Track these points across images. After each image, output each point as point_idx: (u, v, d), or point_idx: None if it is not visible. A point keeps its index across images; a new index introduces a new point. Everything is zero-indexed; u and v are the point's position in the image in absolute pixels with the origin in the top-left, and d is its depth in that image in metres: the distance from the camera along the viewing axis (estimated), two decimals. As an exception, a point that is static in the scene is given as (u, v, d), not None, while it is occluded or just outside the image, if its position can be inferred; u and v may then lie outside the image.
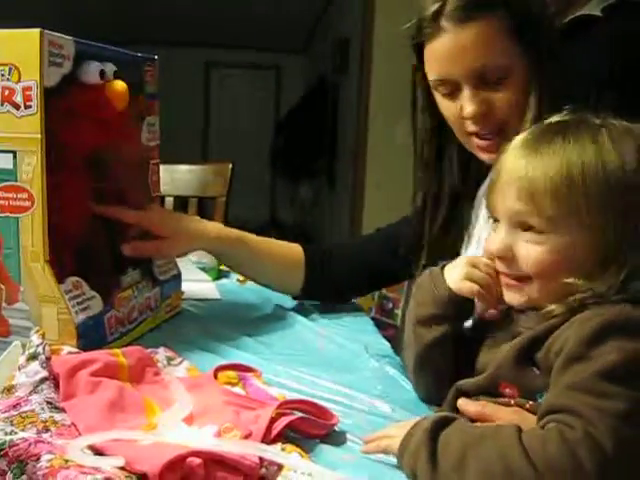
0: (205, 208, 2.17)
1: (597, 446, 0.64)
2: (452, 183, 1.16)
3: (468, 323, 0.94)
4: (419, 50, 1.07)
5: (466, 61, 0.99)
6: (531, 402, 0.77)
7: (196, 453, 0.65)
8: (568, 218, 0.76)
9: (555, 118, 0.83)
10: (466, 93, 1.02)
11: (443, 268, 0.92)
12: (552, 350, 0.74)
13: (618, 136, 0.77)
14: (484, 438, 0.68)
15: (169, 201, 2.07)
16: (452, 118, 1.08)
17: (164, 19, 6.53)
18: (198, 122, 8.31)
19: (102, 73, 1.00)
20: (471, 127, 1.05)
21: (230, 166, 2.08)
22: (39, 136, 0.91)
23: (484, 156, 1.06)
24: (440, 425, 0.71)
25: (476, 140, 1.06)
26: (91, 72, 0.98)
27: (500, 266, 0.83)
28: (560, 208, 0.76)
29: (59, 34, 0.92)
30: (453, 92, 1.04)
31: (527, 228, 0.79)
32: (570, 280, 0.76)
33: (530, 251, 0.79)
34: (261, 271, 1.32)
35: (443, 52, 1.02)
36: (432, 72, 1.05)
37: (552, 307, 0.77)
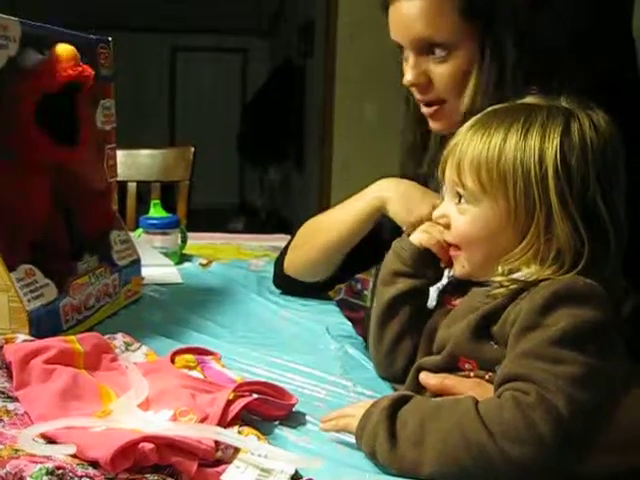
0: (169, 193, 2.15)
1: (551, 409, 0.65)
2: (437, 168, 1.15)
3: (434, 291, 0.95)
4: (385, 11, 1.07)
5: (412, 30, 0.99)
6: (490, 373, 0.78)
7: (149, 438, 0.64)
8: (487, 193, 0.80)
9: (508, 103, 0.85)
10: (410, 61, 1.02)
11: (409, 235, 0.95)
12: (507, 322, 0.75)
13: (551, 122, 0.79)
14: (441, 411, 0.69)
15: (132, 186, 2.05)
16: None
17: (129, 4, 6.44)
18: (164, 107, 8.23)
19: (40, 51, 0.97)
20: (416, 94, 1.05)
21: (192, 150, 2.06)
22: (-13, 120, 0.89)
23: (431, 124, 1.07)
24: (398, 403, 0.72)
25: (423, 107, 1.06)
26: (31, 57, 0.96)
27: (439, 233, 0.89)
28: (479, 183, 0.80)
29: (4, 15, 0.90)
30: (406, 59, 1.04)
31: (459, 199, 0.83)
32: (496, 253, 0.80)
33: (455, 220, 0.84)
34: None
35: (396, 17, 1.02)
36: (390, 34, 1.05)
37: (498, 280, 0.78)
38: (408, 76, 1.03)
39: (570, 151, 0.76)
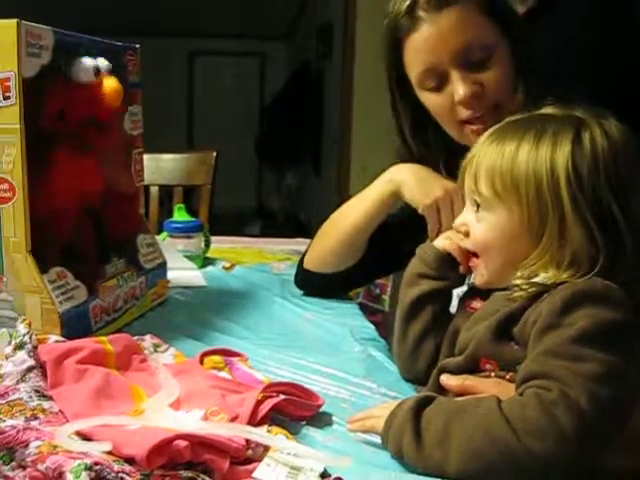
0: (190, 197, 2.17)
1: (574, 405, 0.66)
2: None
3: (455, 296, 0.97)
4: (396, 49, 1.08)
5: (449, 45, 1.00)
6: (511, 373, 0.79)
7: (183, 436, 0.66)
8: (501, 200, 0.82)
9: (524, 114, 0.87)
10: (455, 77, 1.02)
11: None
12: (528, 323, 0.76)
13: (562, 131, 0.80)
14: (465, 411, 0.70)
15: (154, 190, 2.07)
16: (441, 111, 1.08)
17: (147, 9, 6.48)
18: (182, 111, 8.28)
19: (96, 70, 1.00)
20: (464, 113, 1.05)
21: (214, 154, 2.08)
22: (18, 126, 0.91)
23: None
24: (423, 404, 0.73)
25: (469, 127, 1.06)
26: (85, 70, 0.99)
27: (460, 240, 0.91)
28: (494, 191, 0.82)
29: (37, 24, 0.92)
30: (441, 83, 1.05)
31: (477, 207, 0.85)
32: (513, 260, 0.82)
33: (473, 227, 0.87)
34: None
35: (425, 42, 1.02)
36: (417, 64, 1.06)
37: (518, 283, 0.80)
38: (461, 90, 1.02)
39: (581, 159, 0.78)
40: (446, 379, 0.84)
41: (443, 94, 1.05)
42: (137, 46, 1.18)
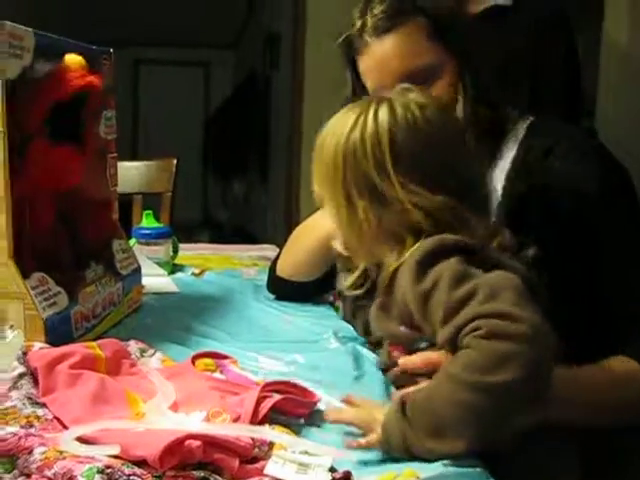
0: (150, 205, 2.14)
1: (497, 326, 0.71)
2: None
3: None
4: (352, 63, 1.12)
5: (391, 69, 1.04)
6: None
7: (193, 436, 0.65)
8: (331, 200, 0.89)
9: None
10: None
11: None
12: (398, 301, 0.83)
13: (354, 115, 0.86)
14: (433, 396, 0.73)
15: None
16: None
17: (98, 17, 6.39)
18: (127, 121, 8.17)
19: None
20: None
21: (175, 162, 2.07)
22: (1, 129, 0.89)
23: None
24: (402, 404, 0.75)
25: None
26: (42, 67, 0.97)
27: None
28: (322, 189, 0.90)
29: (19, 25, 0.91)
30: None
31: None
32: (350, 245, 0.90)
33: None
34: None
35: (371, 64, 1.07)
36: (368, 83, 1.10)
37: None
38: None
39: (353, 146, 0.85)
40: (404, 361, 0.86)
41: None
42: (111, 50, 1.17)
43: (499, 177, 1.07)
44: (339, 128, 0.87)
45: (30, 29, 0.93)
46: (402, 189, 0.83)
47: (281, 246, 1.40)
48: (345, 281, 0.99)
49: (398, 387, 0.87)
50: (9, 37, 0.88)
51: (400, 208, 0.83)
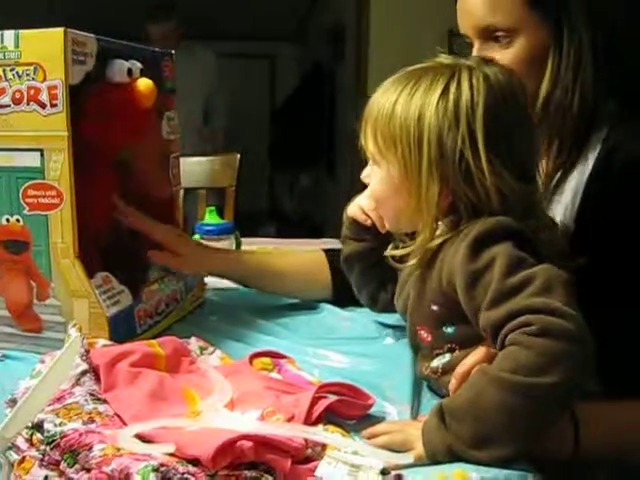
0: (214, 199, 2.18)
1: (555, 321, 0.69)
2: None
3: None
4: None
5: (473, 19, 1.01)
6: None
7: (246, 436, 0.67)
8: (382, 154, 0.86)
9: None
10: (474, 48, 1.03)
11: None
12: (443, 279, 0.81)
13: (435, 82, 0.83)
14: (479, 399, 0.71)
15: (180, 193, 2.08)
16: None
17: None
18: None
19: (129, 71, 1.01)
20: None
21: (238, 156, 2.10)
22: (66, 133, 0.92)
23: None
24: (440, 414, 0.74)
25: None
26: (118, 70, 1.00)
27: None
28: (376, 145, 0.86)
29: (82, 32, 0.93)
30: (472, 46, 1.04)
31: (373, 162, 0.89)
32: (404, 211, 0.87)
33: (371, 181, 0.91)
34: (286, 287, 1.29)
35: (460, 7, 1.03)
36: (460, 28, 1.06)
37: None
38: None
39: (444, 112, 0.81)
40: (452, 386, 0.82)
41: None
42: (172, 52, 1.20)
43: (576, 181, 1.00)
44: (423, 90, 0.83)
45: (92, 35, 0.95)
46: (489, 165, 0.80)
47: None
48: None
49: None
50: (72, 44, 0.91)
51: (479, 185, 0.81)
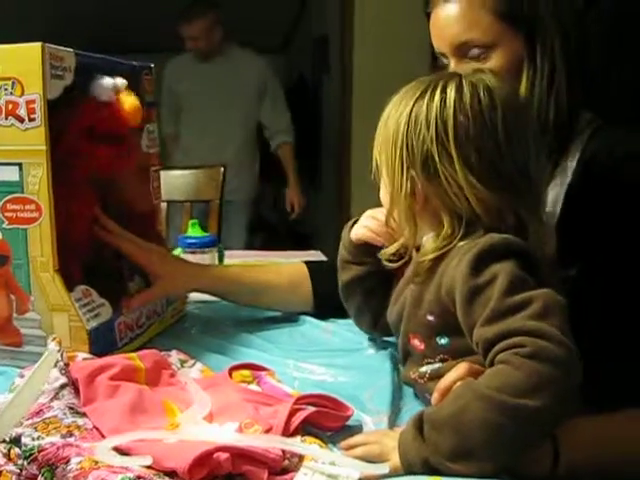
0: (198, 212, 2.18)
1: (545, 347, 0.69)
2: None
3: None
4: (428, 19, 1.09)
5: (449, 36, 1.01)
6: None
7: (223, 448, 0.67)
8: (384, 166, 0.88)
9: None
10: (451, 67, 1.03)
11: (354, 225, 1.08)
12: (442, 291, 0.82)
13: (423, 94, 0.85)
14: (458, 419, 0.71)
15: (162, 206, 2.08)
16: None
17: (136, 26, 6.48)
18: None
19: (115, 89, 1.02)
20: None
21: (222, 169, 2.10)
22: (44, 147, 0.92)
23: None
24: (418, 425, 0.74)
25: None
26: (104, 89, 1.01)
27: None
28: (379, 156, 0.89)
29: (60, 47, 0.94)
30: (448, 66, 1.05)
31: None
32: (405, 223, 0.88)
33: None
34: (267, 301, 1.29)
35: (434, 25, 1.04)
36: (433, 43, 1.07)
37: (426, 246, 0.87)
38: None
39: (418, 117, 0.83)
40: (434, 400, 0.81)
41: None
42: (152, 65, 1.20)
43: (559, 186, 1.01)
44: (408, 98, 0.86)
45: (70, 50, 0.96)
46: (462, 170, 0.81)
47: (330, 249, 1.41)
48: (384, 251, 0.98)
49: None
50: (50, 58, 0.91)
51: (458, 193, 0.82)
